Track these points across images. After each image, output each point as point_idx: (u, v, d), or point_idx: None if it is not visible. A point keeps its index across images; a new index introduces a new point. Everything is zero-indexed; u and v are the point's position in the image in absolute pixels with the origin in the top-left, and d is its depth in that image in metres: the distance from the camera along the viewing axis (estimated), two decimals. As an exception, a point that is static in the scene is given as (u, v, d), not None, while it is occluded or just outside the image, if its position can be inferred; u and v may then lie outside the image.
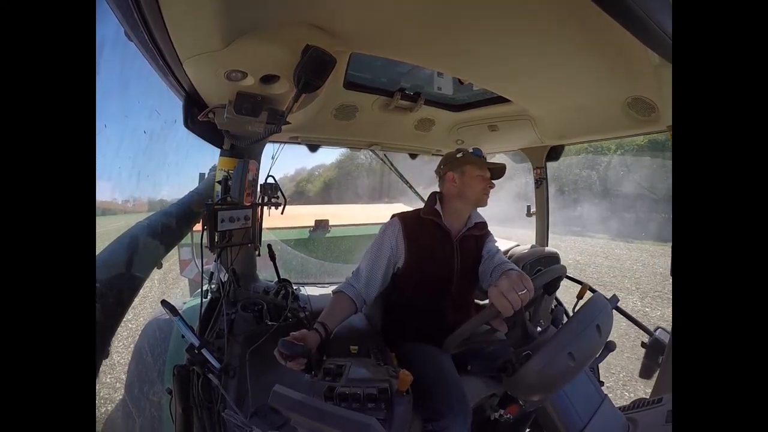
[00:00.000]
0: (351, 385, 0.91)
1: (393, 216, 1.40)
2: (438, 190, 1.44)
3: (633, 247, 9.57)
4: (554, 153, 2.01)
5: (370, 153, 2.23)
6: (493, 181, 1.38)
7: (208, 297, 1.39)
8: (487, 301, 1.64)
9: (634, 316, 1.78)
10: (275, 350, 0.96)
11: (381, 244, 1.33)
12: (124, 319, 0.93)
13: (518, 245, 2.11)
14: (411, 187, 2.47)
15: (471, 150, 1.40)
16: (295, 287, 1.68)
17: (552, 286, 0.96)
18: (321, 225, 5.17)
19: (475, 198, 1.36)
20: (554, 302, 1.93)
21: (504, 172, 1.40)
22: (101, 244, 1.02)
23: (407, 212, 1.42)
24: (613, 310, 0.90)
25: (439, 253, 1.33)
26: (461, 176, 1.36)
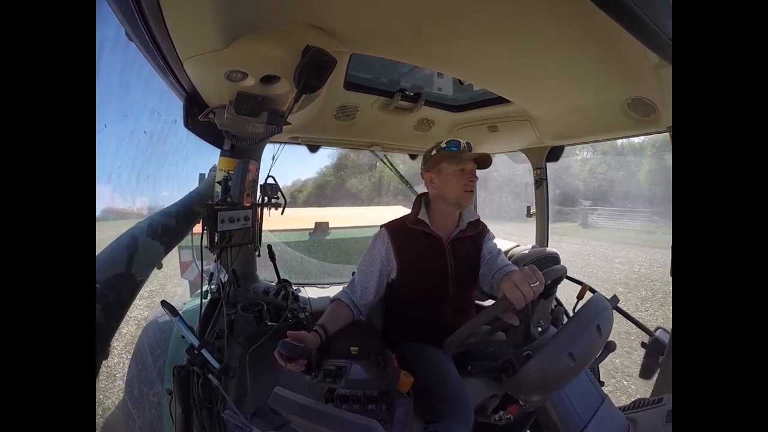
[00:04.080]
0: (351, 386, 0.91)
1: (381, 227, 1.34)
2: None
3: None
4: (554, 154, 2.01)
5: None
6: (477, 172, 1.24)
7: (208, 297, 1.39)
8: (487, 302, 1.65)
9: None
10: (275, 351, 0.96)
11: (372, 257, 1.29)
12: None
13: (518, 245, 2.11)
14: (411, 188, 2.47)
15: (444, 145, 1.26)
16: (295, 288, 1.68)
17: (549, 289, 0.96)
18: (321, 227, 5.14)
19: (456, 198, 1.23)
20: (554, 302, 1.93)
21: (490, 160, 1.27)
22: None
23: (395, 221, 1.35)
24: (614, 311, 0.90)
25: (431, 261, 1.27)
26: (438, 176, 1.25)
